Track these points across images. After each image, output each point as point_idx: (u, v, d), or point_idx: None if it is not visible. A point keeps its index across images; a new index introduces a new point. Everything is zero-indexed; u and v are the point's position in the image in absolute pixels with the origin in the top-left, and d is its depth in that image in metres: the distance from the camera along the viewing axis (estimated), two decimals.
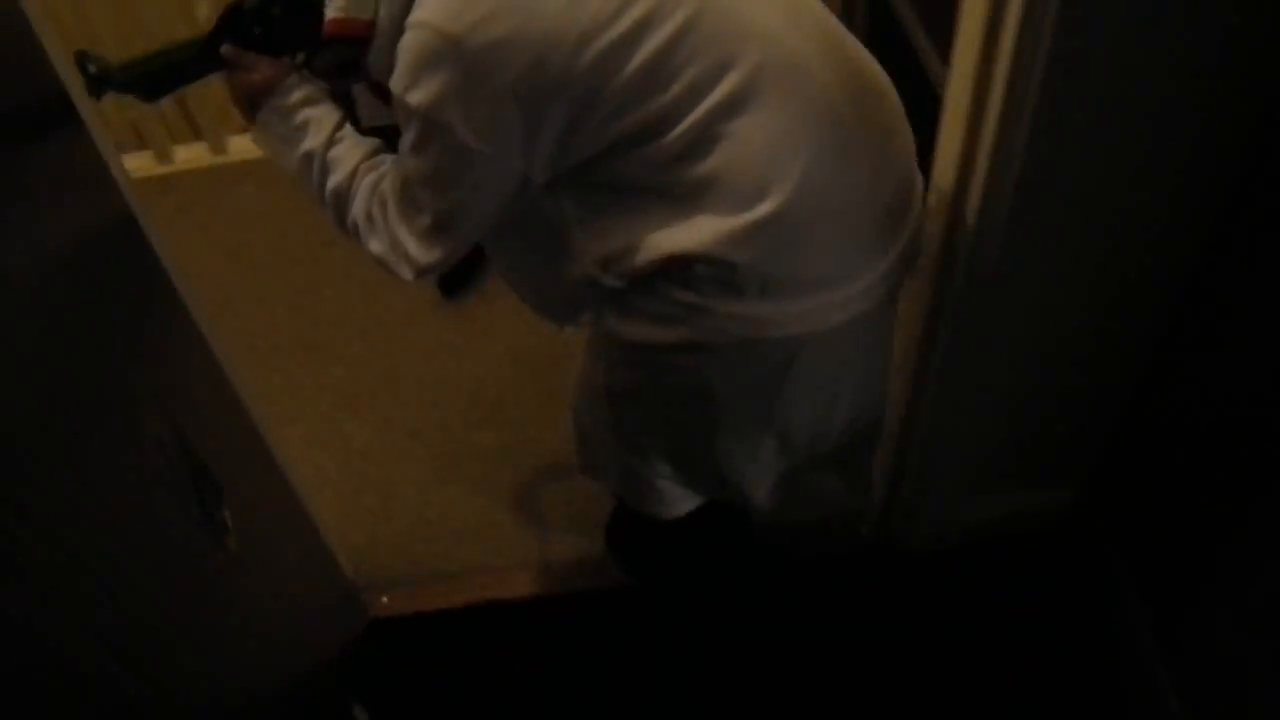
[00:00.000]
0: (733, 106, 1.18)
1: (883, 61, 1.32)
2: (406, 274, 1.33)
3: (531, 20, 1.12)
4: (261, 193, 2.77)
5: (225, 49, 1.32)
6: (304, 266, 2.60)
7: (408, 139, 1.23)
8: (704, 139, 1.19)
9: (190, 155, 2.87)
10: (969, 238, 1.44)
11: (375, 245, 1.33)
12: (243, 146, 2.85)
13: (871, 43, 1.31)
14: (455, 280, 2.44)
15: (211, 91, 2.75)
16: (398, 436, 2.27)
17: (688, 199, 1.23)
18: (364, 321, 2.47)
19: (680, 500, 1.63)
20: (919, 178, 1.37)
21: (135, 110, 2.74)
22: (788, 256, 1.25)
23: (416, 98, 1.16)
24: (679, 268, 1.25)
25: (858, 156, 1.26)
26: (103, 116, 1.25)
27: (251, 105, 1.35)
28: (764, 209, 1.21)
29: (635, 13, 1.14)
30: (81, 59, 1.24)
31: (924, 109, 1.43)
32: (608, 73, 1.15)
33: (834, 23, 1.29)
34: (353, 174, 1.33)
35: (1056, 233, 1.42)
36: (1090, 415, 1.75)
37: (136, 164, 2.85)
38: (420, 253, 1.31)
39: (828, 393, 1.44)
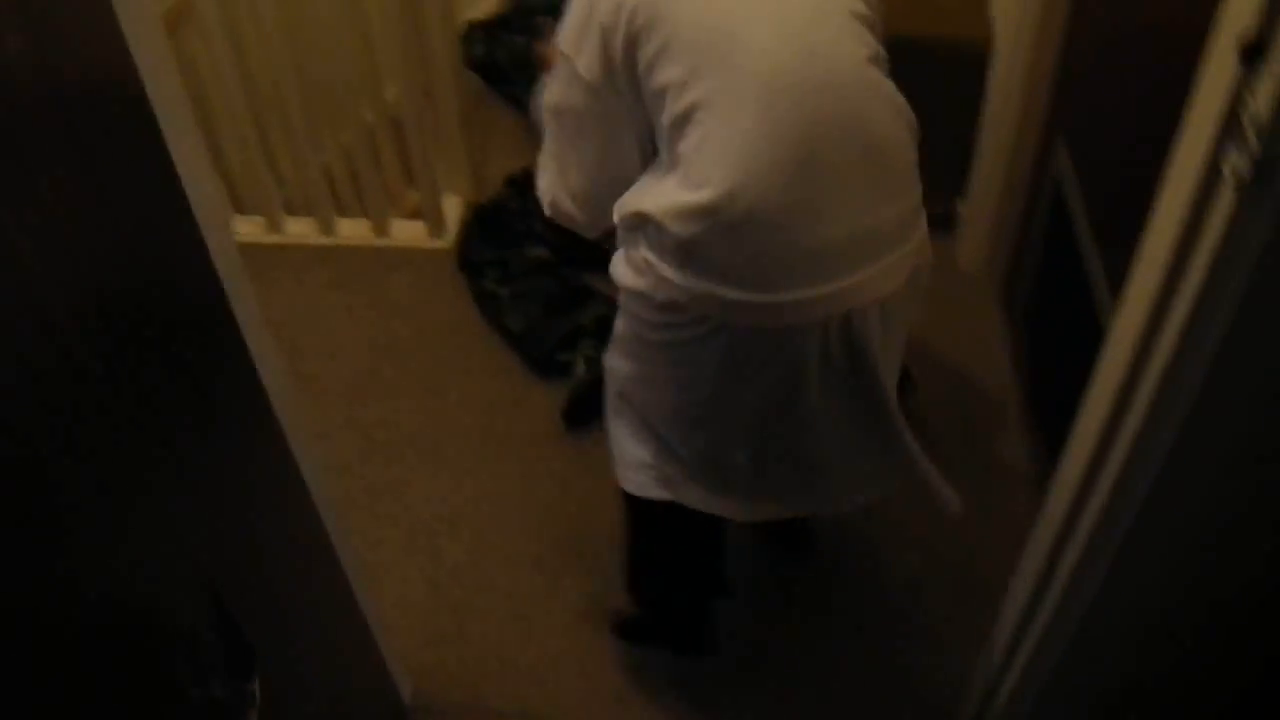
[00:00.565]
0: (710, 104, 1.37)
1: (1051, 273, 1.27)
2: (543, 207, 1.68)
3: None
4: (416, 283, 2.80)
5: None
6: (440, 366, 2.60)
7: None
8: (687, 121, 1.39)
9: (353, 231, 2.92)
10: (1115, 466, 1.32)
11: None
12: (406, 233, 2.90)
13: (1045, 253, 1.26)
14: (578, 411, 2.42)
15: (384, 170, 2.83)
16: (490, 562, 2.22)
17: (667, 168, 1.45)
18: (484, 434, 2.46)
19: (643, 478, 1.71)
20: (892, 235, 1.45)
21: (301, 176, 2.81)
22: (716, 245, 1.39)
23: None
24: (641, 224, 1.46)
25: (818, 190, 1.38)
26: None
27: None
28: (702, 196, 1.37)
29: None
30: None
31: (1087, 332, 1.43)
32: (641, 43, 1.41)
33: (858, 76, 1.41)
34: None
35: (1208, 487, 1.29)
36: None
37: (297, 229, 2.92)
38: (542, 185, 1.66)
39: (761, 408, 1.54)
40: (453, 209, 2.91)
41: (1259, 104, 0.93)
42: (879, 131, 1.42)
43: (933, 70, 2.41)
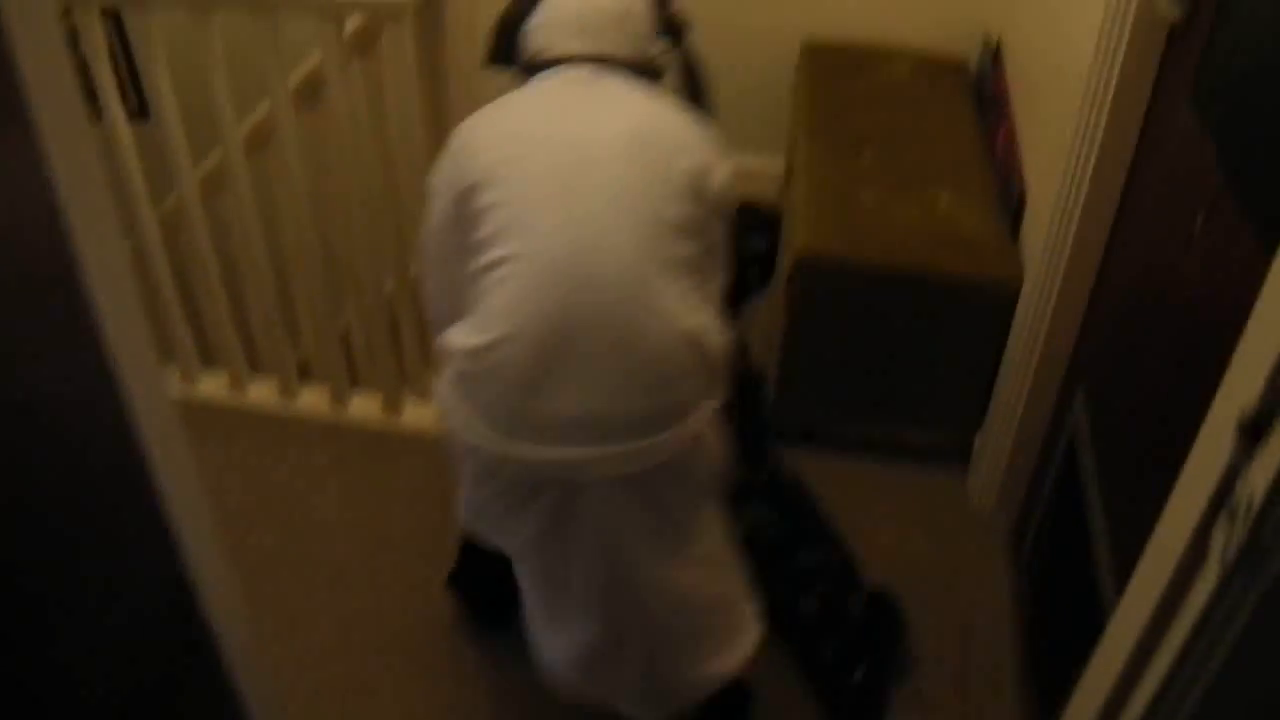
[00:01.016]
0: (503, 266, 1.60)
1: (1057, 531, 1.23)
2: None
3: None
4: (424, 470, 2.76)
5: None
6: (434, 562, 2.54)
7: None
8: (487, 275, 1.62)
9: (365, 408, 2.90)
10: None
11: None
12: (418, 416, 2.88)
13: (1054, 507, 1.22)
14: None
15: (401, 347, 2.82)
16: None
17: (471, 311, 1.67)
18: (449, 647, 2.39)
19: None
20: (639, 425, 1.61)
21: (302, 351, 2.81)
22: (474, 384, 1.64)
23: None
24: (447, 356, 1.69)
25: (560, 367, 1.58)
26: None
27: None
28: (476, 340, 1.61)
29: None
30: None
31: (1087, 603, 1.48)
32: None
33: (632, 279, 1.59)
34: None
35: None
36: None
37: (307, 400, 2.91)
38: None
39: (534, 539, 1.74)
40: None
41: (1254, 485, 0.88)
42: (640, 334, 1.59)
43: (960, 307, 2.39)
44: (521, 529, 1.75)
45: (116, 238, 1.01)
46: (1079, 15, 2.19)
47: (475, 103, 2.32)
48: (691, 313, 1.64)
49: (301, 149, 2.42)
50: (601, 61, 1.77)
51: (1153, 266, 1.89)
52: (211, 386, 2.96)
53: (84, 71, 2.38)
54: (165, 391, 1.12)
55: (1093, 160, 2.00)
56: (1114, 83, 1.92)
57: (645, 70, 1.84)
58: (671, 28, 1.94)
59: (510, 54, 1.87)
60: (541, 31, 1.81)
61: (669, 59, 1.95)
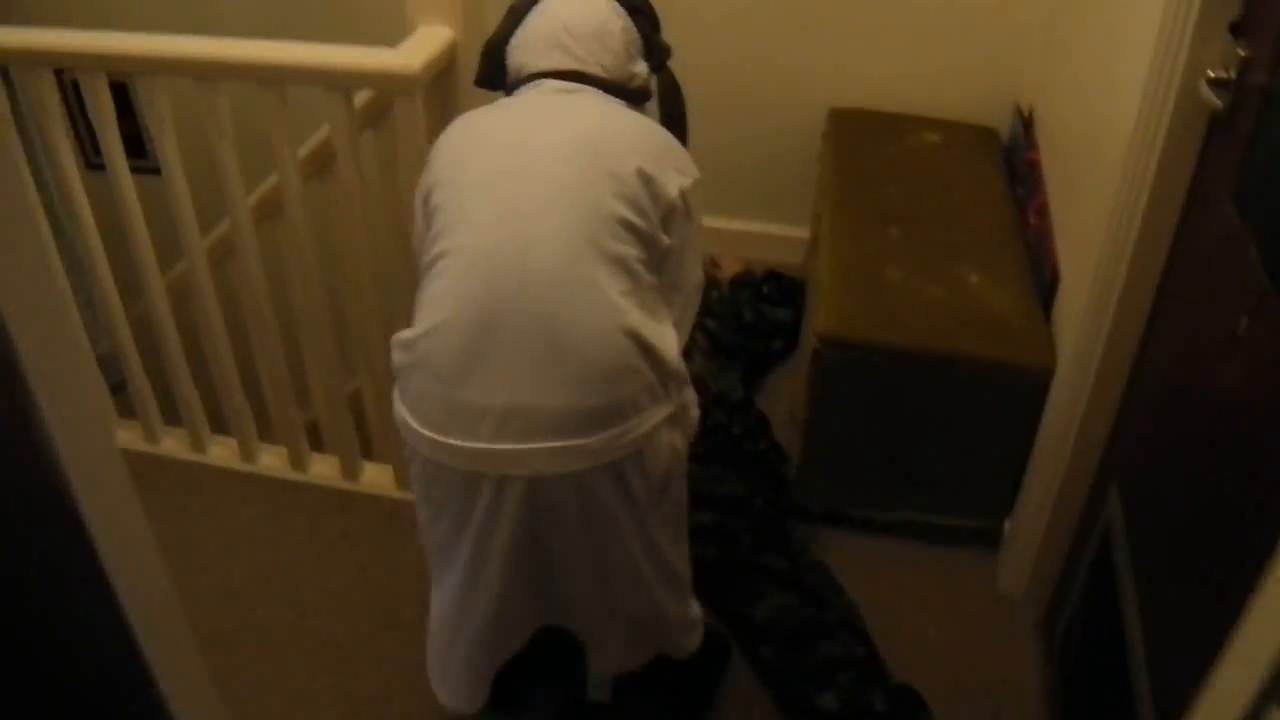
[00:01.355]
0: (442, 260, 1.63)
1: (1090, 621, 1.17)
2: None
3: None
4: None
5: None
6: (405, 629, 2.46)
7: None
8: (430, 269, 1.66)
9: (376, 478, 2.84)
10: None
11: None
12: None
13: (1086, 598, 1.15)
14: None
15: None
16: None
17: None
18: None
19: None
20: (567, 424, 1.57)
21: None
22: (407, 377, 1.66)
23: None
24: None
25: (485, 360, 1.57)
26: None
27: None
28: (406, 334, 1.66)
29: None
30: None
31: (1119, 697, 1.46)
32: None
33: (566, 276, 1.58)
34: None
35: None
36: None
37: (318, 469, 2.85)
38: None
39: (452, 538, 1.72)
40: None
41: None
42: (573, 324, 1.56)
43: (990, 391, 2.31)
44: (457, 536, 1.71)
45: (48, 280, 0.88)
46: (1115, 93, 2.12)
47: None
48: (635, 311, 1.60)
49: (312, 218, 2.37)
50: (579, 78, 1.80)
51: (1192, 364, 1.81)
52: (220, 452, 2.90)
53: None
54: (117, 463, 0.98)
55: (1129, 249, 1.92)
56: (1152, 169, 1.84)
57: (624, 90, 1.85)
58: (653, 53, 1.93)
59: (497, 76, 1.92)
60: (521, 49, 1.86)
61: (650, 83, 1.94)
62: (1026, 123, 2.92)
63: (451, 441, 1.60)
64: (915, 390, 2.37)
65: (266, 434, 2.89)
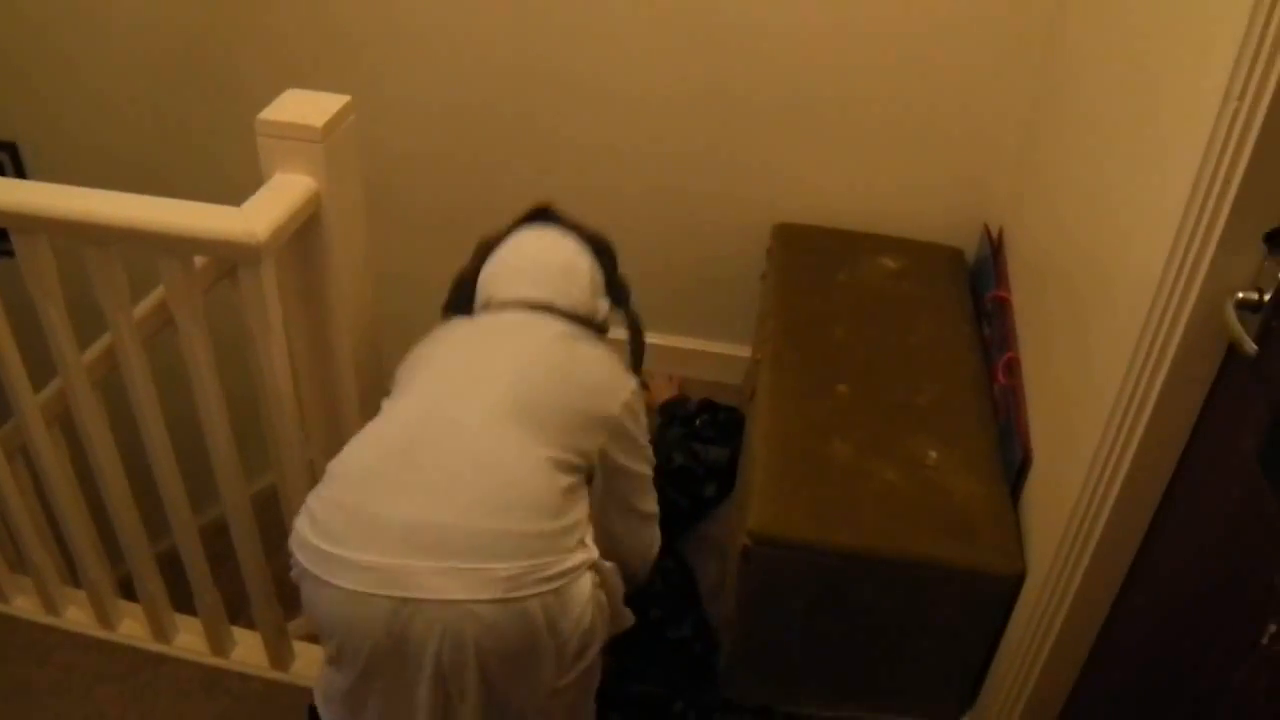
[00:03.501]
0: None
1: None
2: None
3: None
4: None
5: None
6: None
7: None
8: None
9: (246, 655, 2.47)
10: None
11: None
12: (305, 671, 2.44)
13: None
14: None
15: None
16: None
17: None
18: None
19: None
20: (477, 546, 1.47)
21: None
22: (312, 503, 1.59)
23: None
24: None
25: (401, 475, 1.55)
26: None
27: None
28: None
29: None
30: None
31: None
32: None
33: (493, 434, 1.59)
34: None
35: None
36: None
37: (184, 641, 2.48)
38: None
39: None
40: None
41: None
42: (499, 459, 1.56)
43: (952, 596, 1.99)
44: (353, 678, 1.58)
45: None
46: (1114, 267, 1.79)
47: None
48: (562, 477, 1.60)
49: (159, 373, 2.02)
50: (547, 309, 1.85)
51: (1198, 664, 1.47)
52: (77, 615, 2.54)
53: None
54: None
55: (1117, 486, 1.59)
56: (1154, 397, 1.51)
57: (587, 322, 1.90)
58: (615, 290, 2.02)
59: (464, 306, 1.96)
60: (490, 281, 1.93)
61: (611, 318, 2.02)
62: (995, 247, 2.59)
63: (344, 553, 1.49)
64: (863, 593, 2.02)
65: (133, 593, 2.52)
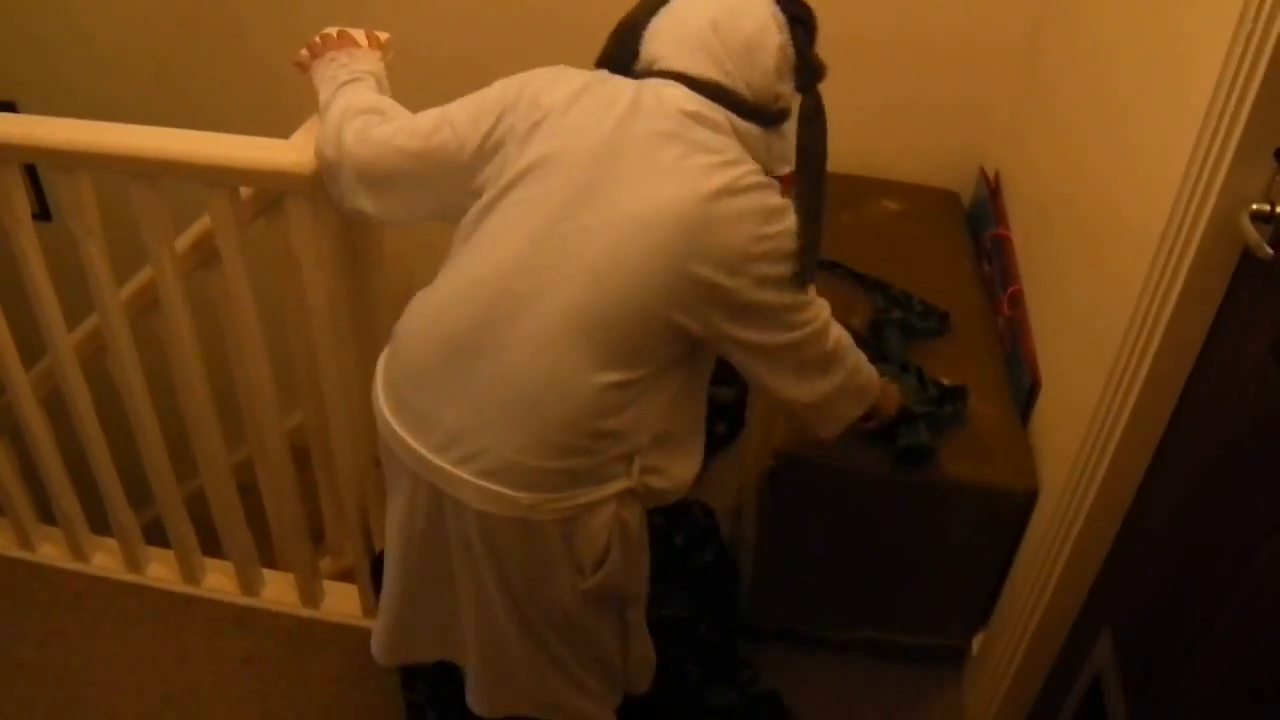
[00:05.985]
0: (517, 187, 1.55)
1: None
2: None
3: None
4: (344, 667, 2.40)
5: None
6: None
7: None
8: (509, 191, 1.56)
9: (277, 594, 2.53)
10: None
11: None
12: (339, 601, 2.51)
13: None
14: None
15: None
16: None
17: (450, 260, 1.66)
18: None
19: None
20: (503, 470, 1.51)
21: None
22: (389, 352, 1.66)
23: None
24: None
25: (448, 378, 1.54)
26: None
27: None
28: (418, 303, 1.64)
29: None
30: None
31: None
32: None
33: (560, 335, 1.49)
34: None
35: None
36: None
37: (215, 581, 2.55)
38: None
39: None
40: None
41: None
42: (536, 396, 1.49)
43: (967, 513, 2.08)
44: (405, 520, 1.70)
45: None
46: (1124, 192, 1.88)
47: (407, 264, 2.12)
48: (616, 394, 1.52)
49: (206, 307, 2.07)
50: (717, 90, 1.56)
51: (1215, 547, 1.57)
52: (105, 560, 2.58)
53: None
54: None
55: (1135, 392, 1.68)
56: (1170, 305, 1.60)
57: (765, 114, 1.60)
58: (806, 70, 1.62)
59: (623, 59, 1.65)
60: (659, 39, 1.61)
61: (791, 104, 1.66)
62: (993, 189, 2.68)
63: (401, 434, 1.58)
64: (880, 512, 2.12)
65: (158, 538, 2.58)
